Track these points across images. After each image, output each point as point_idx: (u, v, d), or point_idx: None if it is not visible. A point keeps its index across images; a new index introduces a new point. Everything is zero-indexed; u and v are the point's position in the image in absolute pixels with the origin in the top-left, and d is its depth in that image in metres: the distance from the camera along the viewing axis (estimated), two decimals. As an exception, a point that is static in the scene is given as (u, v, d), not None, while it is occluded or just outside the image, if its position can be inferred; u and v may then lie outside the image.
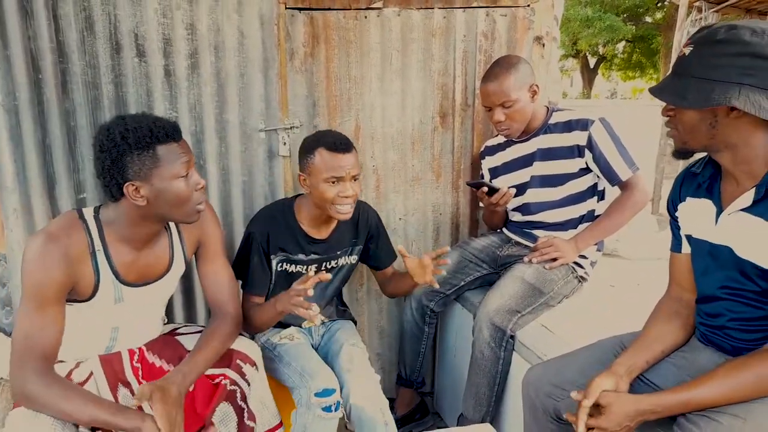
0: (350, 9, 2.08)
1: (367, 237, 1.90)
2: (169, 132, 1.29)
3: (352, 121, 2.18)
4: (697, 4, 7.92)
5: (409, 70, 2.18)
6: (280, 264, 1.79)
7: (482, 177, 2.21)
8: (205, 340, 1.43)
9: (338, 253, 1.84)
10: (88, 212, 1.36)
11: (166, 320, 1.66)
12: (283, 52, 2.05)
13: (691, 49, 1.08)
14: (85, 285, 1.32)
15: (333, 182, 1.62)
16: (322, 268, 1.83)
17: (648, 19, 16.21)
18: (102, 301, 1.36)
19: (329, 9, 2.06)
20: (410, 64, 2.18)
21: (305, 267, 1.80)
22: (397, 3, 2.11)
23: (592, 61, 19.16)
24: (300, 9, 2.03)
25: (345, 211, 1.66)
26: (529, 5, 2.21)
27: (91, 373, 1.38)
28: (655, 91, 1.15)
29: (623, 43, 17.38)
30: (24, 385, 1.20)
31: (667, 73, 1.16)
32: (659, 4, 15.53)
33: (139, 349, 1.49)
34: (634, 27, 15.33)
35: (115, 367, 1.43)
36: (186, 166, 1.31)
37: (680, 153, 1.19)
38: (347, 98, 2.15)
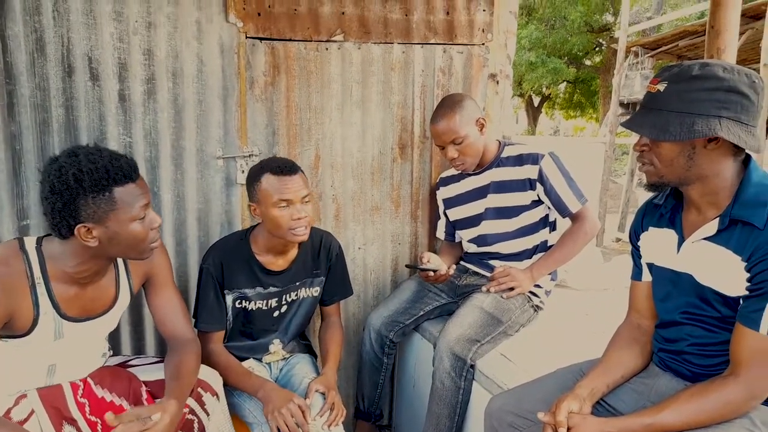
0: (311, 41, 2.10)
1: (327, 268, 1.86)
2: (127, 172, 1.22)
3: (312, 150, 2.18)
4: (634, 49, 8.48)
5: (368, 102, 2.22)
6: (237, 301, 1.73)
7: (437, 209, 2.26)
8: (179, 373, 1.37)
9: (297, 284, 1.79)
10: (30, 242, 1.27)
11: (112, 352, 1.57)
12: (243, 81, 2.04)
13: (666, 85, 1.13)
14: (24, 319, 1.24)
15: (283, 206, 1.59)
16: (282, 301, 1.78)
17: (587, 62, 17.16)
18: (40, 336, 1.27)
19: (290, 40, 2.08)
20: (370, 96, 2.21)
21: (265, 302, 1.75)
22: (357, 37, 2.15)
23: (536, 100, 20.03)
24: (261, 39, 2.04)
25: (301, 233, 1.62)
26: (484, 44, 2.30)
27: (33, 411, 1.28)
28: (633, 126, 1.18)
29: (565, 84, 18.29)
30: None
31: (638, 110, 1.20)
32: (597, 49, 16.49)
33: (83, 382, 1.39)
34: (575, 70, 16.21)
35: (58, 403, 1.33)
36: (144, 208, 1.24)
37: (653, 186, 1.22)
38: (307, 128, 2.16)
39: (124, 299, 1.44)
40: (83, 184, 1.17)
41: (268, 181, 1.60)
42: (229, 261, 1.70)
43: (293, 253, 1.76)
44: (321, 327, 1.94)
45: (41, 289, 1.25)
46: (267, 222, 1.64)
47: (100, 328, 1.41)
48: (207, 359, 1.63)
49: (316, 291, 1.84)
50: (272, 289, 1.74)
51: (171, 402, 1.25)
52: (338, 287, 1.90)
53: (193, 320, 1.70)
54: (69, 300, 1.30)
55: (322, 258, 1.83)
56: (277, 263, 1.74)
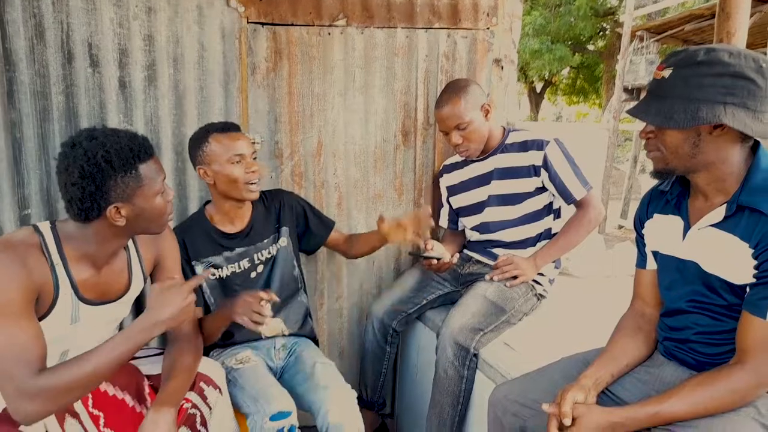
0: (313, 25, 2.07)
1: (294, 218, 1.91)
2: (147, 149, 1.26)
3: (314, 137, 2.16)
4: (639, 33, 8.39)
5: (371, 88, 2.19)
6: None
7: (440, 197, 2.25)
8: (173, 373, 1.37)
9: (265, 242, 1.83)
10: (45, 226, 1.29)
11: None
12: (244, 67, 2.01)
13: (671, 71, 1.11)
14: (44, 300, 1.24)
15: (237, 161, 1.65)
16: (255, 260, 1.81)
17: (591, 47, 16.98)
18: (57, 319, 1.27)
19: (292, 24, 2.05)
20: (373, 82, 2.19)
21: (237, 265, 1.78)
22: (360, 21, 2.12)
23: (538, 86, 19.87)
24: (263, 24, 2.01)
25: (255, 188, 1.70)
26: (488, 28, 2.27)
27: None
28: (638, 113, 1.17)
29: (568, 69, 18.12)
30: (31, 401, 1.11)
31: (644, 96, 1.19)
32: (601, 33, 16.31)
33: None
34: (579, 55, 16.04)
35: None
36: (163, 181, 1.29)
37: (660, 174, 1.21)
38: (309, 114, 2.13)
39: (138, 284, 1.45)
40: (113, 164, 1.19)
41: (217, 139, 1.66)
42: (189, 236, 1.75)
43: (247, 214, 1.82)
44: (351, 246, 2.03)
45: (60, 270, 1.26)
46: (221, 181, 1.68)
47: (114, 315, 1.42)
48: None
49: (284, 242, 1.88)
50: (239, 250, 1.79)
51: (162, 412, 1.28)
52: (322, 223, 1.98)
53: None
54: (86, 282, 1.31)
55: (280, 210, 1.88)
56: (234, 226, 1.79)
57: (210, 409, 1.41)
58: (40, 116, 1.80)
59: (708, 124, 1.07)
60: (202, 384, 1.42)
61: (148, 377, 1.44)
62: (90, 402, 1.34)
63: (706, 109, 1.06)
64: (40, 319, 1.25)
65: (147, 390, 1.41)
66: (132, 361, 1.47)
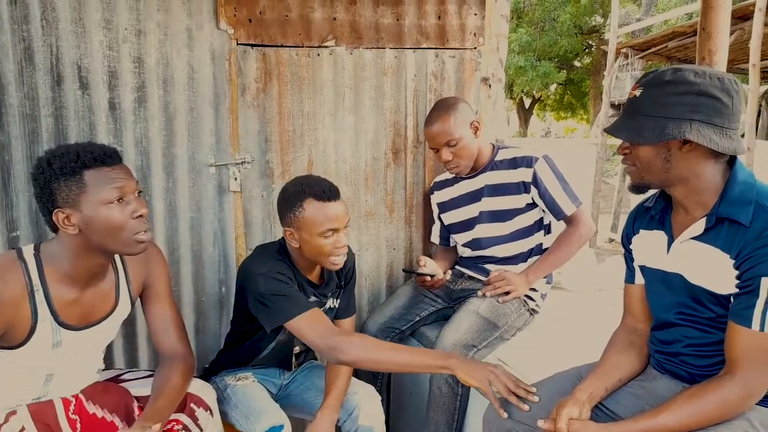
0: (303, 46, 2.09)
1: (345, 280, 1.81)
2: (99, 156, 1.23)
3: (305, 156, 2.17)
4: (623, 50, 8.55)
5: (361, 108, 2.21)
6: None
7: (431, 214, 2.26)
8: (161, 391, 1.35)
9: (328, 295, 1.76)
10: (28, 250, 1.28)
11: (104, 366, 1.55)
12: (234, 87, 2.03)
13: (642, 90, 1.16)
14: (20, 329, 1.23)
15: (329, 235, 1.51)
16: None
17: (577, 63, 17.26)
18: (37, 345, 1.26)
19: (282, 46, 2.07)
20: (362, 101, 2.21)
21: None
22: (349, 42, 2.15)
23: (527, 102, 20.11)
24: (252, 45, 2.03)
25: (339, 262, 1.58)
26: (476, 48, 2.30)
27: (23, 429, 1.26)
28: (611, 131, 1.22)
29: (555, 85, 18.38)
30: None
31: (620, 114, 1.24)
32: (587, 50, 16.59)
33: (75, 397, 1.38)
34: (566, 72, 16.29)
35: (48, 419, 1.31)
36: (118, 191, 1.23)
37: (637, 188, 1.25)
38: (300, 134, 2.15)
39: (124, 307, 1.43)
40: (53, 166, 1.21)
41: (313, 207, 1.51)
42: (284, 267, 1.61)
43: (319, 268, 1.71)
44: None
45: (39, 297, 1.25)
46: (307, 248, 1.56)
47: (99, 337, 1.40)
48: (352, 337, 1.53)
49: (337, 302, 1.81)
50: (312, 299, 1.68)
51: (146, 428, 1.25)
52: (348, 303, 1.84)
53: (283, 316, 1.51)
54: (68, 306, 1.29)
55: (346, 271, 1.79)
56: (313, 276, 1.70)
57: (201, 430, 1.39)
58: (29, 139, 1.79)
59: (675, 140, 1.11)
60: (192, 405, 1.40)
61: (138, 399, 1.43)
62: (78, 425, 1.32)
63: (672, 125, 1.10)
64: (19, 345, 1.24)
65: (137, 412, 1.40)
66: (123, 383, 1.45)
